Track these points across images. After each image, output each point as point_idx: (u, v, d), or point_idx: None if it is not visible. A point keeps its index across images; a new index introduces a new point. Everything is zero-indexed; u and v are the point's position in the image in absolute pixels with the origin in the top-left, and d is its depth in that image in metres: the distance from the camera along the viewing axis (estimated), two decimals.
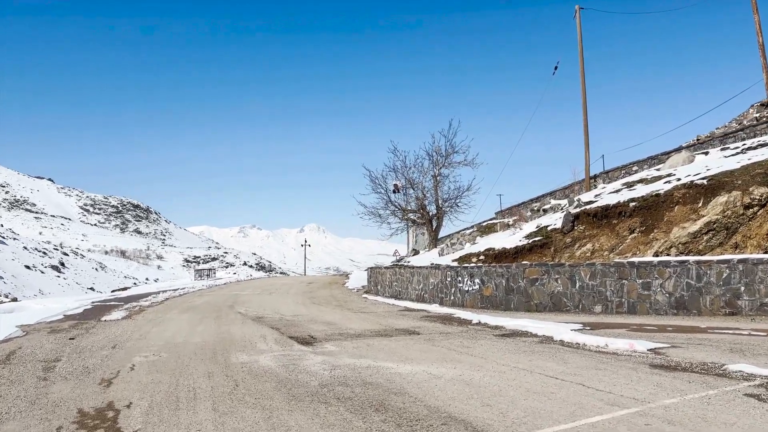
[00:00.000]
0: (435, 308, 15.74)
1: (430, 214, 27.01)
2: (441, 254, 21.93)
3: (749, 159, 14.54)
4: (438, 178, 26.40)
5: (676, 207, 13.95)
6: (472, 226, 31.84)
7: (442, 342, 9.52)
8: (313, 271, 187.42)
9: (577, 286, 13.28)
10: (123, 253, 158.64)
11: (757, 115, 35.94)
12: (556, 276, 13.61)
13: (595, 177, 24.11)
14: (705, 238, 12.84)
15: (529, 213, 23.72)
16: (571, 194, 24.96)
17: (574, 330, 10.14)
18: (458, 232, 33.32)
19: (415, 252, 32.95)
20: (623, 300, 12.61)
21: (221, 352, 9.21)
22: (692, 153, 18.00)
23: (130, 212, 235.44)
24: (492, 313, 13.98)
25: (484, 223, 30.07)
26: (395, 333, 10.97)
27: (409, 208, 27.81)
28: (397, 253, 50.60)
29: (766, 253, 12.24)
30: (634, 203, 14.81)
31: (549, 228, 16.77)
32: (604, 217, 15.47)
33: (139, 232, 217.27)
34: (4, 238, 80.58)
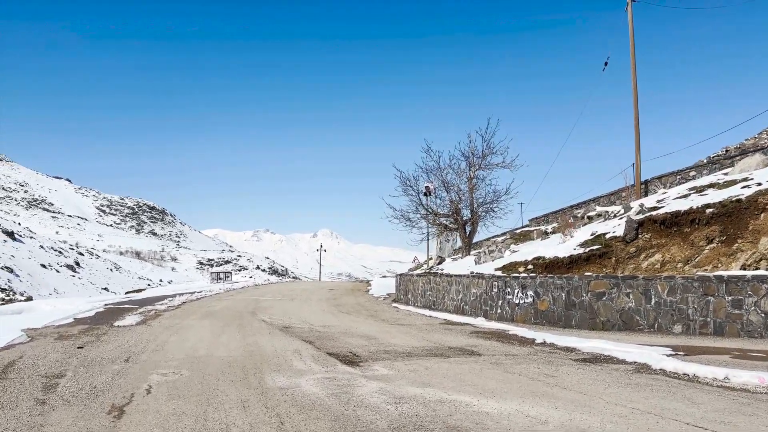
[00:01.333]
0: (481, 322, 14.19)
1: (464, 218, 25.41)
2: (478, 262, 20.38)
3: None
4: (473, 180, 24.82)
5: (762, 215, 12.32)
6: (504, 233, 30.24)
7: (515, 367, 7.99)
8: (326, 276, 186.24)
9: (653, 302, 11.64)
10: (138, 254, 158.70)
11: None
12: (628, 290, 11.98)
13: (646, 182, 22.46)
14: None
15: (571, 220, 22.10)
16: (618, 200, 23.30)
17: (667, 355, 8.57)
18: (488, 239, 31.73)
19: (441, 259, 31.40)
20: (708, 319, 10.97)
21: (253, 371, 7.78)
22: (767, 156, 16.39)
23: (145, 214, 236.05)
24: (551, 330, 12.41)
25: (518, 230, 28.46)
26: (451, 353, 9.46)
27: (441, 212, 26.23)
28: (416, 260, 48.95)
29: None
30: (710, 209, 13.15)
31: (607, 236, 15.16)
32: (674, 224, 13.84)
33: (154, 234, 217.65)
34: (21, 236, 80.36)
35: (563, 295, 12.97)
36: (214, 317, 16.26)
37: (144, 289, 47.32)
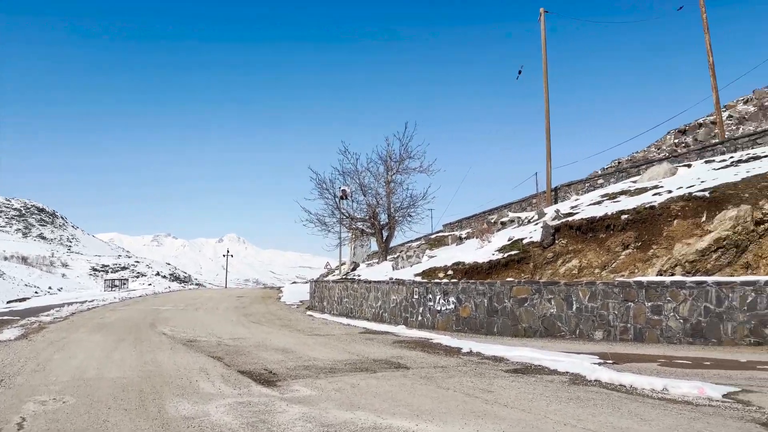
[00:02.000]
0: (402, 330, 13.64)
1: (381, 223, 24.88)
2: (395, 267, 19.89)
3: (747, 172, 13.50)
4: (391, 184, 24.37)
5: (675, 221, 12.63)
6: (419, 239, 30.10)
7: (447, 381, 7.43)
8: (232, 283, 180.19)
9: (574, 308, 11.57)
10: (24, 260, 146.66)
11: (676, 141, 36.79)
12: (549, 296, 11.85)
13: (555, 189, 22.99)
14: (714, 256, 11.53)
15: (485, 225, 22.17)
16: (529, 207, 23.70)
17: (597, 364, 8.36)
18: (403, 245, 31.50)
19: (355, 265, 30.74)
20: (629, 325, 11.00)
21: (151, 395, 6.72)
22: (674, 165, 17.07)
23: (34, 216, 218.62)
24: (474, 337, 12.05)
25: (433, 236, 28.43)
26: (376, 366, 8.78)
27: (358, 216, 25.57)
28: (328, 266, 47.97)
29: None
30: (625, 216, 13.37)
31: (525, 241, 15.12)
32: (590, 230, 13.98)
33: (44, 238, 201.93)
34: None
35: (485, 301, 12.68)
36: (107, 330, 14.68)
37: (29, 298, 43.27)
